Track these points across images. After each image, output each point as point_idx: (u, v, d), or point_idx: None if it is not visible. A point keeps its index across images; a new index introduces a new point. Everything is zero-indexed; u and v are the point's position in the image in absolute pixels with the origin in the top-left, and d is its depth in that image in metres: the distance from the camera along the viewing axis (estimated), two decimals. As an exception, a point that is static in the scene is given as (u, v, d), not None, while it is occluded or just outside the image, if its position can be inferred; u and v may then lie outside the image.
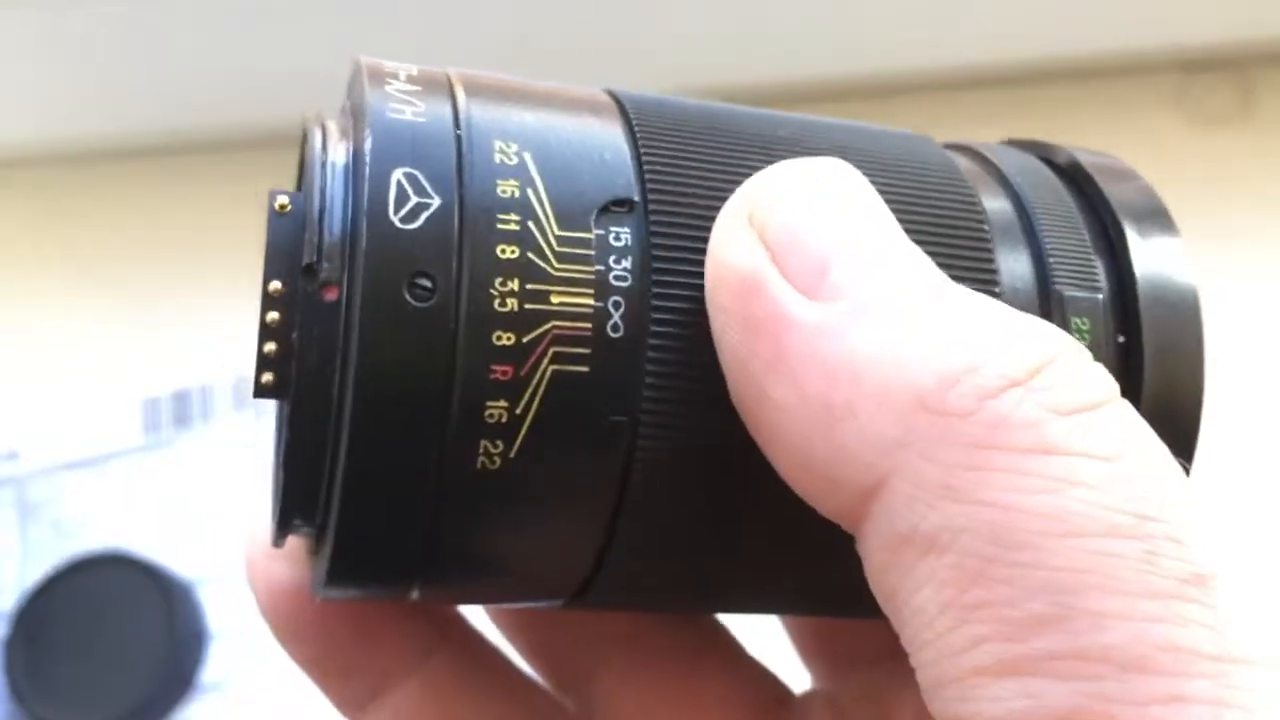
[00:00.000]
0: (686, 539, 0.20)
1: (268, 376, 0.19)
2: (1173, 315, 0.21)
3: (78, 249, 0.57)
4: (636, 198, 0.19)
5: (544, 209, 0.19)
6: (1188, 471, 0.21)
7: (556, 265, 0.18)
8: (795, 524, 0.18)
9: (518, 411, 0.18)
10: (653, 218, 0.19)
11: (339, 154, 0.20)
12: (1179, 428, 0.21)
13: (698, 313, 0.19)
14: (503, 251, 0.18)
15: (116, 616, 0.48)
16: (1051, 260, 0.21)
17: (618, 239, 0.19)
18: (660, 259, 0.19)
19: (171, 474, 0.51)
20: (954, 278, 0.18)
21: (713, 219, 0.19)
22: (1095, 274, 0.21)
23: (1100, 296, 0.21)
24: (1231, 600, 0.15)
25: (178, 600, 0.48)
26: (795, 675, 0.29)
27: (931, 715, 0.16)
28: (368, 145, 0.18)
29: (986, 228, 0.21)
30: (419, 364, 0.18)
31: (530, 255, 0.18)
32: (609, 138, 0.20)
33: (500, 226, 0.18)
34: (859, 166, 0.19)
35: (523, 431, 0.18)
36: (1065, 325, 0.21)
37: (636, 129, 0.20)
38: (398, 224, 0.18)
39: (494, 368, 0.18)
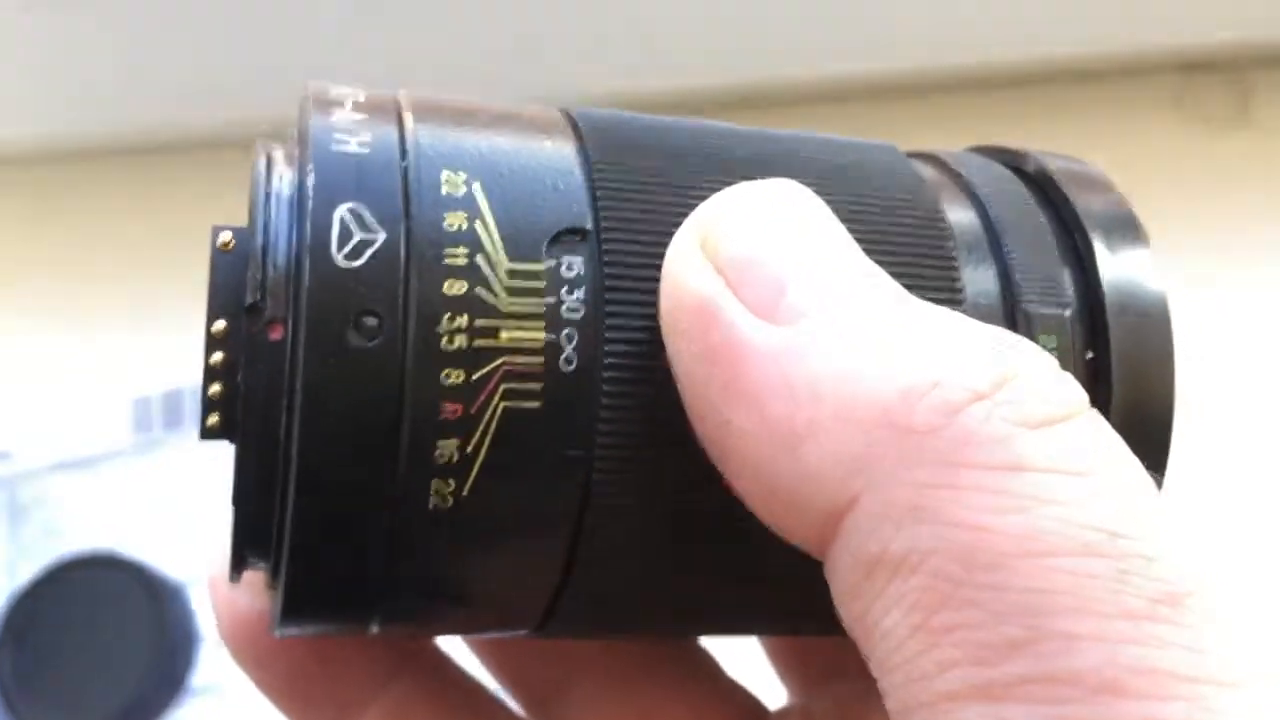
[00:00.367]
0: (648, 572, 0.20)
1: (214, 419, 0.19)
2: (1142, 328, 0.21)
3: (68, 249, 0.57)
4: (589, 226, 0.19)
5: (493, 241, 0.18)
6: (1160, 485, 0.20)
7: (506, 300, 0.18)
8: (763, 551, 0.18)
9: (469, 450, 0.18)
10: (605, 246, 0.19)
11: (285, 185, 0.19)
12: (1151, 441, 0.21)
13: (653, 342, 0.18)
14: (450, 287, 0.18)
15: (106, 618, 0.48)
16: (1017, 276, 0.21)
17: (570, 269, 0.18)
18: (614, 289, 0.18)
19: (162, 475, 0.51)
20: (915, 293, 0.18)
21: (667, 245, 0.18)
22: (1062, 289, 0.21)
23: (1067, 313, 0.21)
24: (1210, 619, 0.15)
25: (168, 602, 0.48)
26: (773, 690, 0.28)
27: None
28: (310, 181, 0.18)
29: (951, 243, 0.21)
30: (366, 404, 0.17)
31: (479, 291, 0.18)
32: (562, 163, 0.19)
33: (448, 261, 0.18)
34: (819, 183, 0.19)
35: (474, 470, 0.18)
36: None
37: (591, 152, 0.20)
38: (341, 262, 0.17)
39: (444, 406, 0.18)
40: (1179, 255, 0.52)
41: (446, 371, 0.18)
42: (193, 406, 0.52)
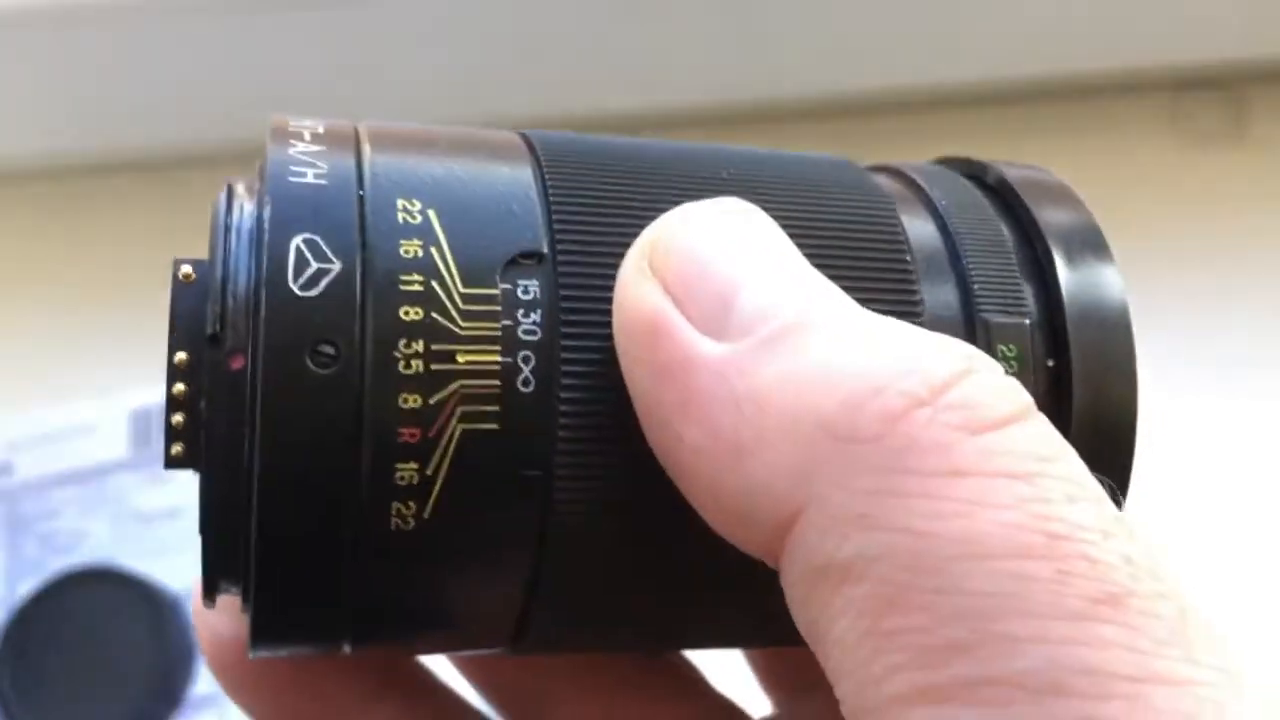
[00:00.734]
0: (613, 588, 0.20)
1: (177, 448, 0.19)
2: (1103, 336, 0.21)
3: (68, 263, 0.57)
4: (545, 249, 0.19)
5: (448, 267, 0.18)
6: (1122, 491, 0.21)
7: (462, 324, 0.18)
8: (722, 563, 0.18)
9: (428, 473, 0.18)
10: (561, 269, 0.19)
11: (245, 217, 0.19)
12: (1114, 446, 0.21)
13: (609, 362, 0.18)
14: (406, 314, 0.18)
15: (106, 631, 0.48)
16: (976, 286, 0.21)
17: (526, 292, 0.19)
18: (569, 310, 0.19)
19: (161, 488, 0.51)
20: (874, 306, 0.18)
21: None
22: (1022, 299, 0.21)
23: (1027, 321, 0.21)
24: (1152, 617, 0.15)
25: (167, 614, 0.48)
26: (756, 701, 0.28)
27: None
28: (267, 212, 0.18)
29: (908, 256, 0.21)
30: (325, 431, 0.18)
31: (434, 315, 0.18)
32: (518, 187, 0.20)
33: (403, 288, 0.18)
34: (774, 200, 0.19)
35: (434, 492, 0.18)
36: (991, 351, 0.20)
37: (547, 175, 0.20)
38: (297, 292, 0.18)
39: (401, 431, 0.18)
40: (1175, 271, 0.52)
41: (404, 396, 0.18)
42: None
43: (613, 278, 0.19)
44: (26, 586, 0.49)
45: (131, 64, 0.54)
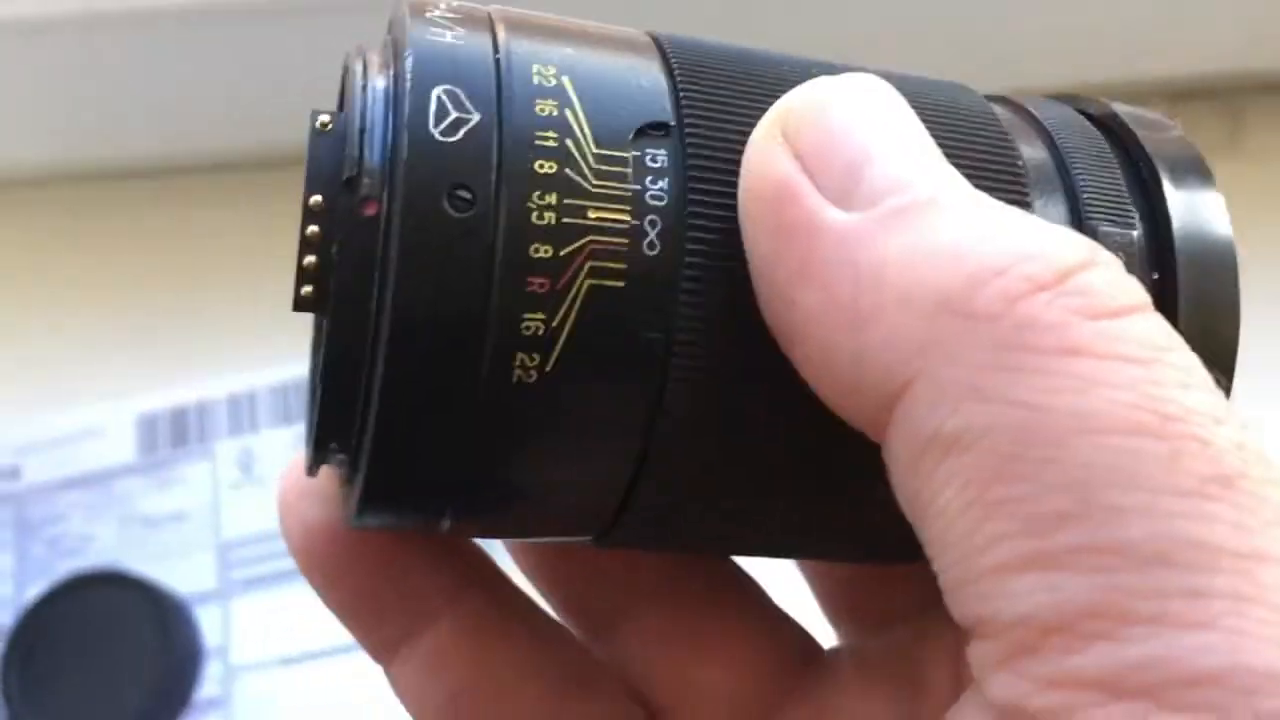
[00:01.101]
0: (719, 460, 0.20)
1: (307, 289, 0.19)
2: (1207, 259, 0.21)
3: (77, 268, 0.58)
4: (672, 122, 0.19)
5: (581, 128, 0.19)
6: (1227, 393, 0.20)
7: (594, 182, 0.19)
8: (827, 446, 0.18)
9: (554, 324, 0.18)
10: (689, 139, 0.19)
11: (379, 81, 0.20)
12: (1216, 365, 0.21)
13: (733, 232, 0.19)
14: (541, 167, 0.18)
15: (113, 634, 0.48)
16: (1085, 197, 0.21)
17: (654, 160, 0.19)
18: (696, 179, 0.19)
19: (168, 492, 0.51)
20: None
21: (748, 141, 0.19)
22: (1129, 213, 0.21)
23: (1135, 233, 0.21)
24: (1261, 500, 0.15)
25: (174, 618, 0.48)
26: (821, 637, 0.28)
27: (954, 620, 0.16)
28: (409, 64, 0.19)
29: (1021, 162, 0.21)
30: (457, 273, 0.18)
31: (568, 171, 0.19)
32: (647, 66, 0.20)
33: (538, 143, 0.19)
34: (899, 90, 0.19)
35: (559, 345, 0.18)
36: None
37: (674, 62, 0.20)
38: (438, 136, 0.18)
39: (531, 280, 0.18)
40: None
41: (535, 245, 0.18)
42: (198, 424, 0.52)
43: (738, 154, 0.19)
44: (34, 590, 0.49)
45: (142, 71, 0.55)
